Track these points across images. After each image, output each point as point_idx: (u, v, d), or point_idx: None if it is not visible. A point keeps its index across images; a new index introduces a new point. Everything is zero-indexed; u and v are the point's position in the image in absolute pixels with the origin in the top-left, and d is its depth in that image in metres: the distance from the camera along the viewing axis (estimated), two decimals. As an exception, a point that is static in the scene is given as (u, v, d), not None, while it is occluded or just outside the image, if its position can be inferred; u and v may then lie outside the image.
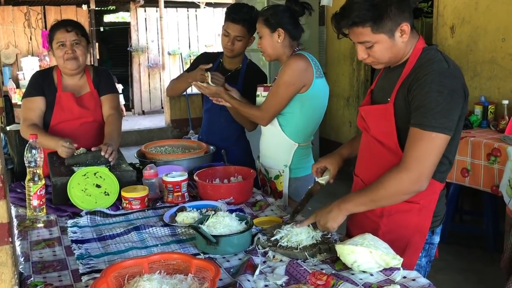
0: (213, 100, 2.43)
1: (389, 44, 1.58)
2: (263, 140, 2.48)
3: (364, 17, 1.53)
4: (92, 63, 9.12)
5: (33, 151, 1.90)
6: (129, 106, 10.38)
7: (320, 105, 2.36)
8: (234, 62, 2.72)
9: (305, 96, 2.27)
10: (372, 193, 1.57)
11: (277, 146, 2.38)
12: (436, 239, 1.74)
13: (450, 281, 3.20)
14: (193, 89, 10.02)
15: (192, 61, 3.00)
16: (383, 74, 1.76)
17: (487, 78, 3.82)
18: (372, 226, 1.62)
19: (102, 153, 2.19)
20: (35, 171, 1.91)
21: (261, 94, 2.42)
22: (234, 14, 2.59)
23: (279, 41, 2.29)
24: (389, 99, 1.60)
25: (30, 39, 9.11)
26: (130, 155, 2.80)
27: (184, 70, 2.95)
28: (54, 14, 9.18)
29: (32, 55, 8.95)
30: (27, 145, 1.91)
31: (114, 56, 11.69)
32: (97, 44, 9.66)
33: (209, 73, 2.45)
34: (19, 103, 6.73)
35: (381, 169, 1.64)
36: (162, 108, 9.92)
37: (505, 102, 3.47)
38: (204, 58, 2.82)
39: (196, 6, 10.39)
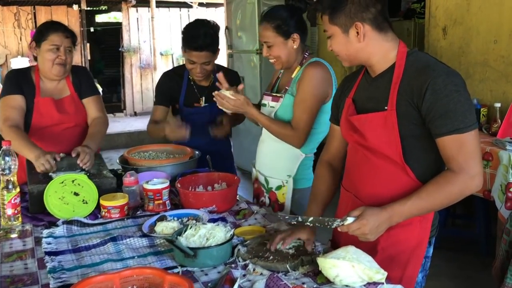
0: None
1: (343, 40, 1.57)
2: (263, 148, 2.33)
3: (324, 4, 1.58)
4: (84, 64, 9.07)
5: (6, 158, 1.83)
6: (121, 107, 10.32)
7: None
8: (206, 78, 2.62)
9: (325, 107, 2.13)
10: (429, 202, 1.48)
11: (281, 155, 2.22)
12: (431, 250, 1.68)
13: (440, 287, 3.16)
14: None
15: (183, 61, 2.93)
16: (363, 83, 1.67)
17: (479, 81, 3.78)
18: (371, 242, 1.52)
19: (78, 161, 2.13)
20: (9, 179, 1.84)
21: (269, 104, 2.24)
22: (194, 43, 2.41)
23: (294, 47, 2.13)
24: (386, 107, 1.52)
25: (20, 39, 9.03)
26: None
27: (154, 101, 2.74)
28: (44, 14, 9.10)
29: (22, 55, 8.87)
30: (0, 151, 1.85)
31: (105, 56, 11.62)
32: (88, 44, 9.58)
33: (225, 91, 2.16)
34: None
35: (381, 183, 1.58)
36: (154, 109, 9.86)
37: (498, 105, 3.42)
38: (167, 78, 2.69)
39: (188, 6, 10.34)
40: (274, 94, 2.24)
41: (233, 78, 2.59)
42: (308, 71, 2.10)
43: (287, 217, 1.56)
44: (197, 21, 2.57)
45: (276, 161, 2.24)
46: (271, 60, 2.18)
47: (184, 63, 2.63)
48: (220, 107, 2.16)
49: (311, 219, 1.51)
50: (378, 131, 1.55)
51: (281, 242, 1.60)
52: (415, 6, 4.94)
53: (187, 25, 2.55)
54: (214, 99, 2.15)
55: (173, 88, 2.63)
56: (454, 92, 1.44)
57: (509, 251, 2.47)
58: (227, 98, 2.09)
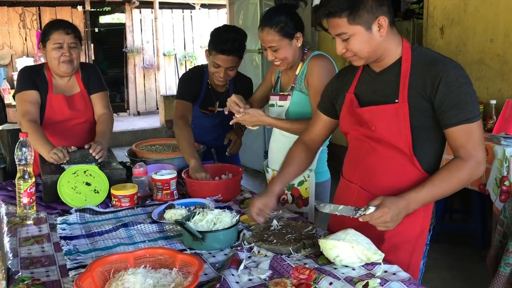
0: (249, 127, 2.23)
1: (366, 37, 1.57)
2: (278, 146, 2.31)
3: (341, 6, 1.53)
4: (87, 64, 9.14)
5: (24, 149, 1.93)
6: (124, 107, 10.40)
7: None
8: (224, 83, 2.59)
9: None
10: (442, 188, 1.56)
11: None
12: (429, 237, 1.75)
13: (437, 278, 3.24)
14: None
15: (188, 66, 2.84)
16: (366, 77, 1.72)
17: (476, 79, 3.86)
18: (378, 231, 1.59)
19: (91, 151, 2.22)
20: (25, 169, 1.93)
21: (277, 103, 2.25)
22: (223, 45, 2.35)
23: (299, 45, 2.16)
24: (397, 100, 1.58)
25: (25, 40, 9.13)
26: (124, 155, 2.82)
27: (177, 95, 2.62)
28: (49, 15, 9.20)
29: (27, 56, 8.97)
30: (17, 143, 1.94)
31: (109, 57, 11.72)
32: (92, 45, 9.68)
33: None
34: (13, 103, 6.74)
35: (389, 173, 1.64)
36: (157, 108, 9.96)
37: (493, 102, 3.51)
38: (192, 75, 2.65)
39: (191, 7, 10.43)
40: (281, 93, 2.25)
41: (246, 86, 2.65)
42: (315, 64, 2.14)
43: (321, 204, 1.64)
44: (227, 26, 2.59)
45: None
46: (277, 63, 2.18)
47: (193, 65, 2.65)
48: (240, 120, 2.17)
49: (340, 208, 1.59)
50: (389, 122, 1.60)
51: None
52: (414, 7, 5.02)
53: (216, 29, 2.51)
54: (226, 108, 2.17)
55: (195, 86, 2.60)
56: (464, 84, 1.52)
57: (503, 242, 2.56)
58: (239, 118, 2.14)
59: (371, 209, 1.52)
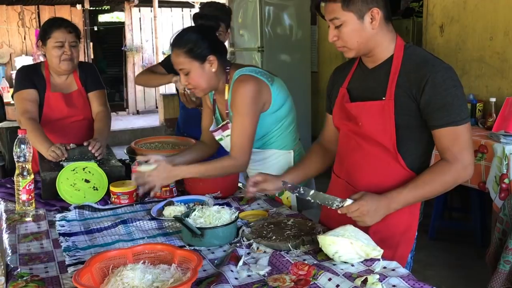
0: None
1: (358, 26, 1.57)
2: (254, 158, 2.14)
3: None
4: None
5: (22, 146, 1.93)
6: (123, 106, 10.40)
7: (288, 105, 2.10)
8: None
9: (271, 110, 2.04)
10: (425, 190, 1.56)
11: (275, 161, 2.14)
12: (416, 233, 1.76)
13: (436, 276, 3.25)
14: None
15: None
16: (359, 73, 1.72)
17: (476, 77, 3.87)
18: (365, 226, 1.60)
19: (90, 148, 2.22)
20: (24, 166, 1.93)
21: (223, 135, 2.13)
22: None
23: (213, 70, 1.95)
24: (384, 97, 1.59)
25: (24, 38, 9.12)
26: (123, 153, 2.82)
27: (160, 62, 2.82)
28: (48, 13, 9.19)
29: (26, 54, 8.95)
30: (16, 140, 1.93)
31: (108, 55, 11.72)
32: (91, 43, 9.67)
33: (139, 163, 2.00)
34: (12, 102, 6.73)
35: (374, 170, 1.65)
36: (157, 107, 9.95)
37: (493, 100, 3.51)
38: None
39: (190, 6, 10.42)
40: (222, 124, 2.12)
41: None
42: (236, 91, 1.97)
43: (290, 185, 1.64)
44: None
45: (271, 168, 2.10)
46: (190, 89, 2.02)
47: None
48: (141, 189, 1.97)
49: (312, 192, 1.59)
50: (374, 119, 1.62)
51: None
52: (413, 5, 5.03)
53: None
54: (134, 181, 1.97)
55: None
56: (452, 87, 1.52)
57: (502, 239, 2.56)
58: (147, 173, 1.92)
59: (349, 201, 1.53)
